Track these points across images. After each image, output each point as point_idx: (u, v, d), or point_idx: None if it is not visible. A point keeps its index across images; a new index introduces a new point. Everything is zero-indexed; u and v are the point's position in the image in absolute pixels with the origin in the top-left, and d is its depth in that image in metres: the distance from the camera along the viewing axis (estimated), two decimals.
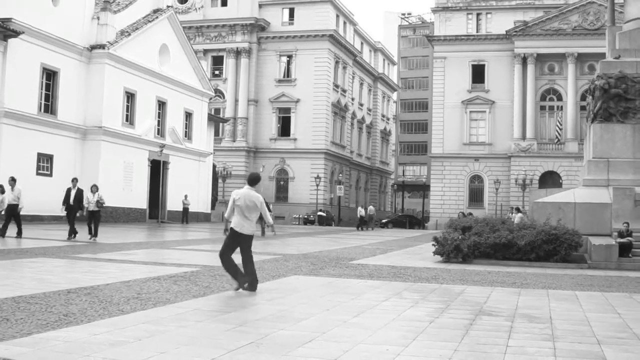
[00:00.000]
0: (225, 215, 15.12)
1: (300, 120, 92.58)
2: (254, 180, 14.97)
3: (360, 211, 69.90)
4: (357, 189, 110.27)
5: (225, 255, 14.83)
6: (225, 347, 9.07)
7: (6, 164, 44.64)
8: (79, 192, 31.54)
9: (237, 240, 14.86)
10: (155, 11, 61.87)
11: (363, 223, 68.12)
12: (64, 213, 31.89)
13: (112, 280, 15.90)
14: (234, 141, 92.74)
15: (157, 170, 60.47)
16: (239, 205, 14.63)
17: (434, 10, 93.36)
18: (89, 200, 31.46)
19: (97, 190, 31.85)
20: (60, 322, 10.31)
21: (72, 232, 30.76)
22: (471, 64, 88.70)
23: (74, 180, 32.40)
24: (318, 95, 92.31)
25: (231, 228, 14.84)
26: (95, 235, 30.79)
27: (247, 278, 14.84)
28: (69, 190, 31.57)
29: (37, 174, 49.47)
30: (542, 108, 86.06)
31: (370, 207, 74.94)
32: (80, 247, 26.15)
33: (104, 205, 32.40)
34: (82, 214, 31.59)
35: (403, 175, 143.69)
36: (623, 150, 30.73)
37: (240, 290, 14.71)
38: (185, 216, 61.93)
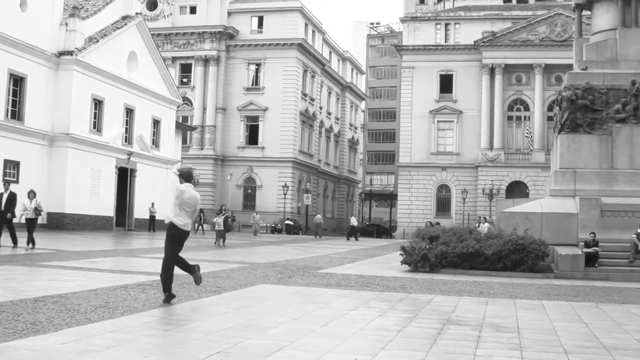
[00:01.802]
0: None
1: (268, 128, 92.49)
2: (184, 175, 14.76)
3: (352, 220, 69.80)
4: (325, 197, 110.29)
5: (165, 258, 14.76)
6: (194, 356, 9.05)
7: None
8: (11, 196, 29.37)
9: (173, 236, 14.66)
10: (124, 18, 61.63)
11: (354, 233, 68.00)
12: None
13: (80, 288, 15.80)
14: (202, 149, 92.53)
15: (125, 177, 60.20)
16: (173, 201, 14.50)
17: (403, 20, 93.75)
18: (26, 207, 30.05)
19: (34, 197, 30.31)
20: (28, 330, 10.24)
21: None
22: (439, 73, 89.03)
23: (6, 184, 30.52)
24: (286, 104, 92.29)
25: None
26: (33, 243, 28.90)
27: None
28: (0, 195, 29.51)
29: (4, 180, 48.99)
30: (510, 118, 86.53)
31: (318, 216, 75.14)
32: (46, 255, 25.95)
33: (41, 212, 31.21)
34: (12, 219, 29.20)
35: (371, 184, 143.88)
36: (590, 161, 30.96)
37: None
38: (152, 224, 61.57)
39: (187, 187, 14.46)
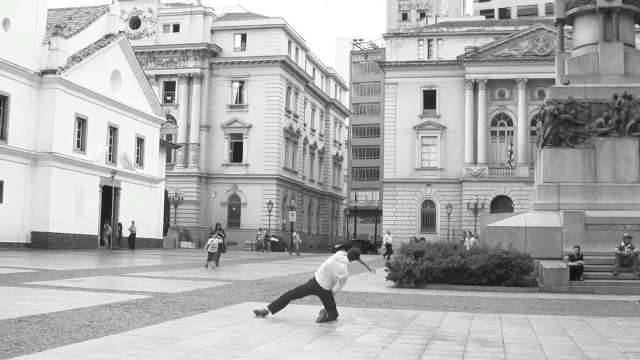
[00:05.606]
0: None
1: (252, 146, 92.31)
2: (352, 255, 16.58)
3: (387, 238, 66.10)
4: (310, 214, 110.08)
5: (292, 293, 16.23)
6: None
7: None
8: None
9: (314, 290, 16.05)
10: (107, 36, 61.58)
11: (389, 252, 60.53)
12: None
13: (64, 307, 15.73)
14: (186, 167, 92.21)
15: (109, 196, 60.04)
16: (326, 263, 16.16)
17: (386, 37, 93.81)
18: None
19: None
20: (12, 351, 10.18)
21: None
22: (422, 89, 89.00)
23: None
24: (270, 121, 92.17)
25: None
26: None
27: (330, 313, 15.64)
28: None
29: None
30: (493, 133, 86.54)
31: (295, 234, 74.80)
32: (30, 275, 25.81)
33: None
34: None
35: (355, 200, 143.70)
36: (573, 175, 31.08)
37: (260, 316, 15.60)
38: (132, 242, 61.13)
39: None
